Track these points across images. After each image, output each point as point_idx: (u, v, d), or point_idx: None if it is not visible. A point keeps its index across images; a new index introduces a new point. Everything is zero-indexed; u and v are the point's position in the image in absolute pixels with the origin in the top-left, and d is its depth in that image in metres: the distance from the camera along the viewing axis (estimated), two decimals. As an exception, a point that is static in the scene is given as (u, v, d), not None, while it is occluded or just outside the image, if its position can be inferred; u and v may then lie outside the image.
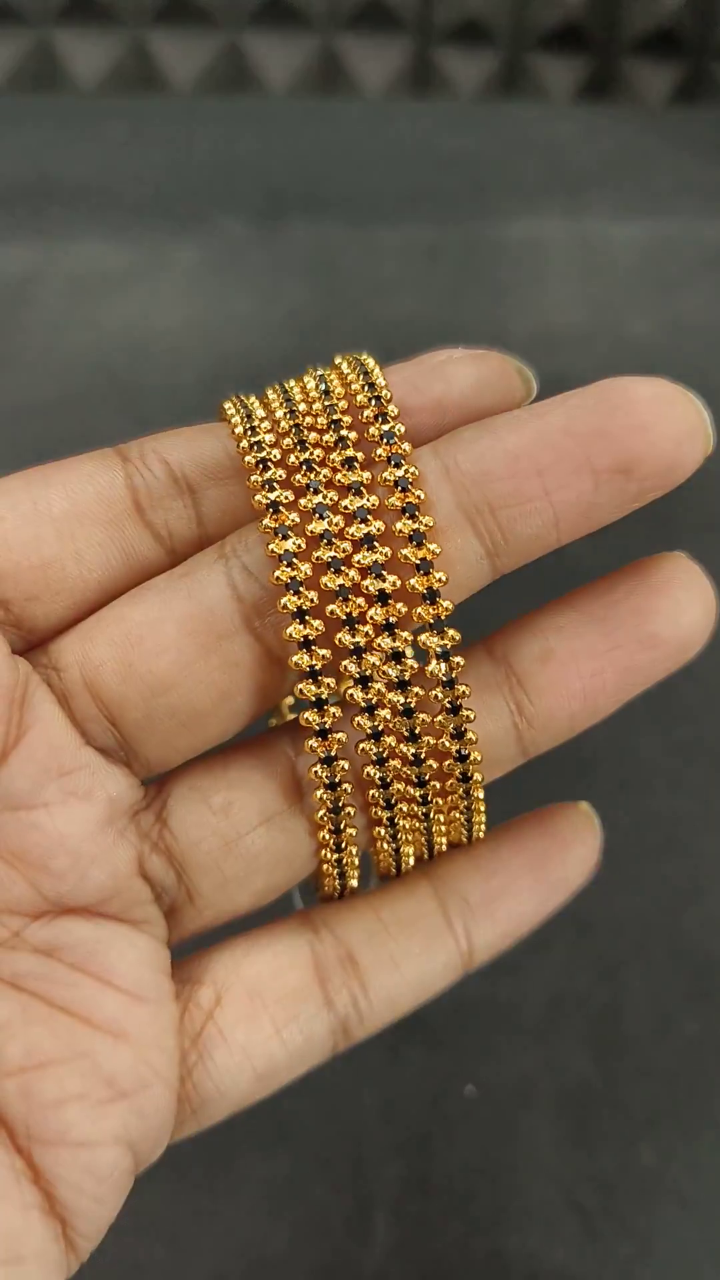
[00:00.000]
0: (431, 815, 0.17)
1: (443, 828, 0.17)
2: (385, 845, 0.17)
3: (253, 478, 0.16)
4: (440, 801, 0.17)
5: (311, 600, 0.15)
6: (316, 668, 0.15)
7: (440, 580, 0.15)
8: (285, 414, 0.16)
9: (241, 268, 0.42)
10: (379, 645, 0.15)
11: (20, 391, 0.37)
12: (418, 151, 0.49)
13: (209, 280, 0.41)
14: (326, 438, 0.16)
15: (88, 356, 0.38)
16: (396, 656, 0.15)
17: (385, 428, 0.16)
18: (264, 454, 0.16)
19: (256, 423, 0.16)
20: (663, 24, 0.55)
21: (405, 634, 0.15)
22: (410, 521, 0.15)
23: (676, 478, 0.15)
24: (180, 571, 0.16)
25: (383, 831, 0.17)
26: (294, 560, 0.15)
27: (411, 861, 0.18)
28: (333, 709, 0.16)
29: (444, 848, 0.18)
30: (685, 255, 0.43)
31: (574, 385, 0.16)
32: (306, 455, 0.16)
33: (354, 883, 0.18)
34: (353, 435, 0.16)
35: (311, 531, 0.15)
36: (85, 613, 0.16)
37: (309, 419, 0.16)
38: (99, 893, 0.16)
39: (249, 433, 0.16)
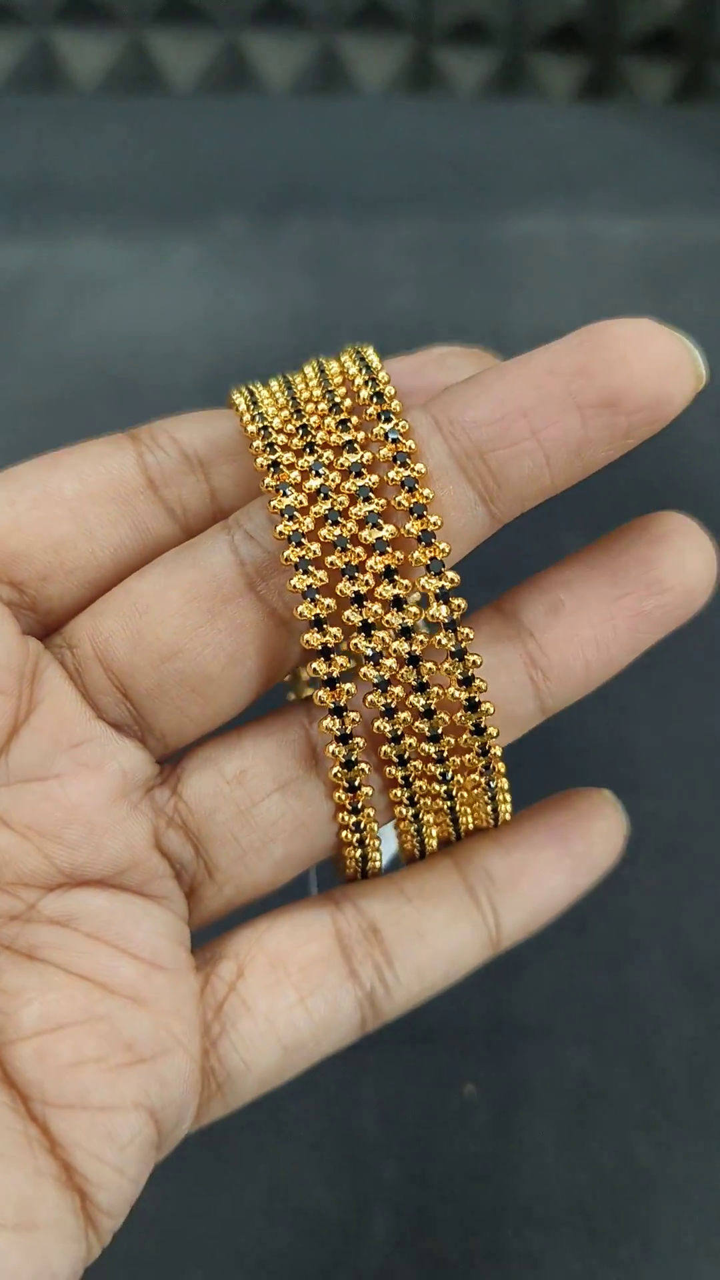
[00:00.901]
0: (454, 791, 0.17)
1: (467, 807, 0.17)
2: (405, 813, 0.17)
3: (254, 444, 0.16)
4: (461, 779, 0.17)
5: (314, 552, 0.16)
6: (321, 615, 0.16)
7: (435, 524, 0.16)
8: (286, 395, 0.17)
9: (241, 267, 0.42)
10: (380, 594, 0.16)
11: (19, 390, 0.36)
12: (417, 151, 0.49)
13: (209, 279, 0.41)
14: (322, 406, 0.16)
15: (87, 355, 0.38)
16: (398, 603, 0.16)
17: (375, 389, 0.16)
18: (265, 423, 0.16)
19: (260, 399, 0.17)
20: (662, 23, 0.55)
21: (405, 581, 0.16)
22: (402, 469, 0.15)
23: (666, 411, 0.15)
24: (187, 545, 0.17)
25: (400, 794, 0.17)
26: (295, 514, 0.16)
27: (435, 843, 0.18)
28: (340, 659, 0.16)
29: (469, 827, 0.18)
30: (684, 254, 0.43)
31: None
32: (302, 421, 0.16)
33: (376, 860, 0.18)
34: (347, 403, 0.16)
35: (310, 489, 0.16)
36: (100, 591, 0.17)
37: (306, 393, 0.17)
38: (114, 864, 0.16)
39: (252, 406, 0.17)
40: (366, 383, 0.16)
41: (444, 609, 0.16)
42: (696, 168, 0.48)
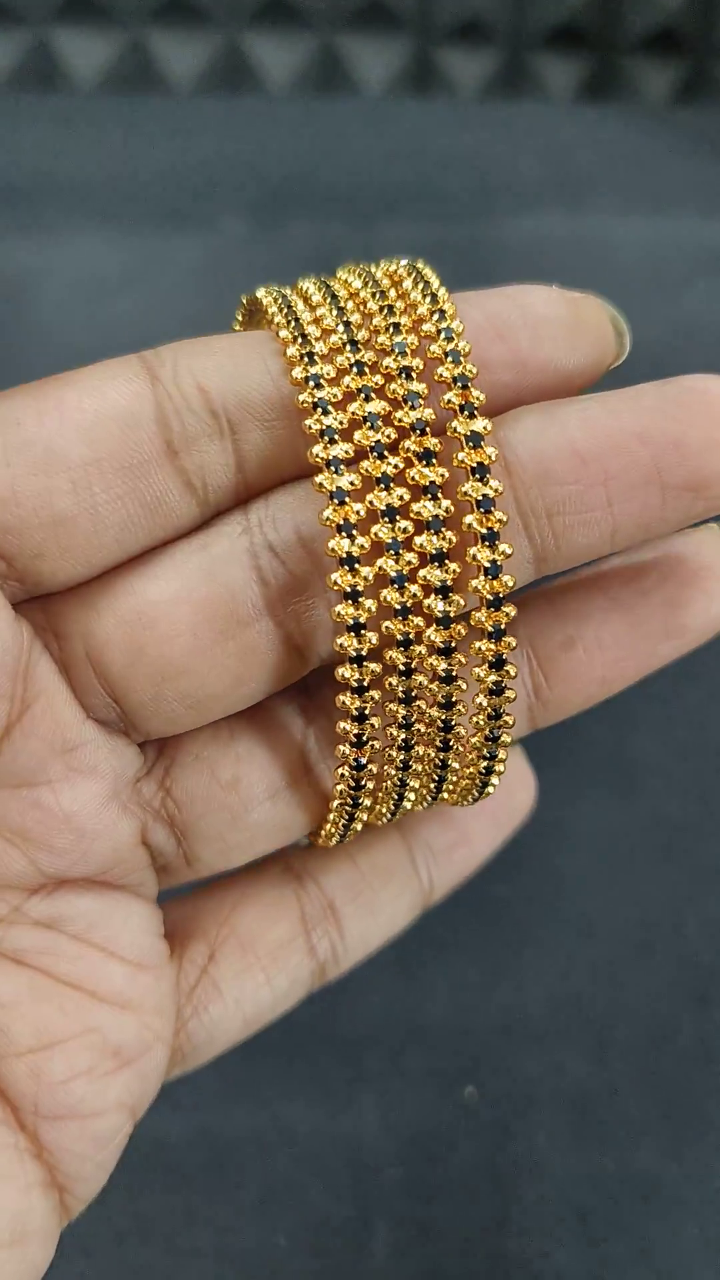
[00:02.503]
0: (447, 779, 0.16)
1: (454, 787, 0.17)
2: (394, 776, 0.16)
3: (314, 450, 0.14)
4: (458, 765, 0.16)
5: (369, 610, 0.14)
6: (361, 620, 0.14)
7: (501, 520, 0.14)
8: (347, 350, 0.14)
9: (241, 267, 0.41)
10: (425, 577, 0.14)
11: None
12: (418, 151, 0.49)
13: (209, 279, 0.41)
14: (400, 416, 0.14)
15: (87, 356, 0.38)
16: (444, 591, 0.14)
17: (468, 414, 0.14)
18: (328, 421, 0.14)
19: (316, 357, 0.14)
20: (664, 23, 0.55)
21: (455, 565, 0.14)
22: (484, 517, 0.14)
23: None
24: (200, 543, 0.15)
25: (396, 756, 0.16)
26: (345, 498, 0.14)
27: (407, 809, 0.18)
28: (369, 635, 0.14)
29: (444, 799, 0.17)
30: (686, 255, 0.43)
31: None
32: (376, 437, 0.14)
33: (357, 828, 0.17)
34: (429, 414, 0.14)
35: (377, 536, 0.14)
36: (97, 570, 0.15)
37: (375, 377, 0.14)
38: (100, 866, 0.16)
39: (305, 361, 0.14)
40: (448, 356, 0.14)
41: (490, 614, 0.14)
42: (699, 168, 0.48)
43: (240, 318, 0.17)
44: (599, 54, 0.56)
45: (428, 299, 0.15)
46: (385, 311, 0.15)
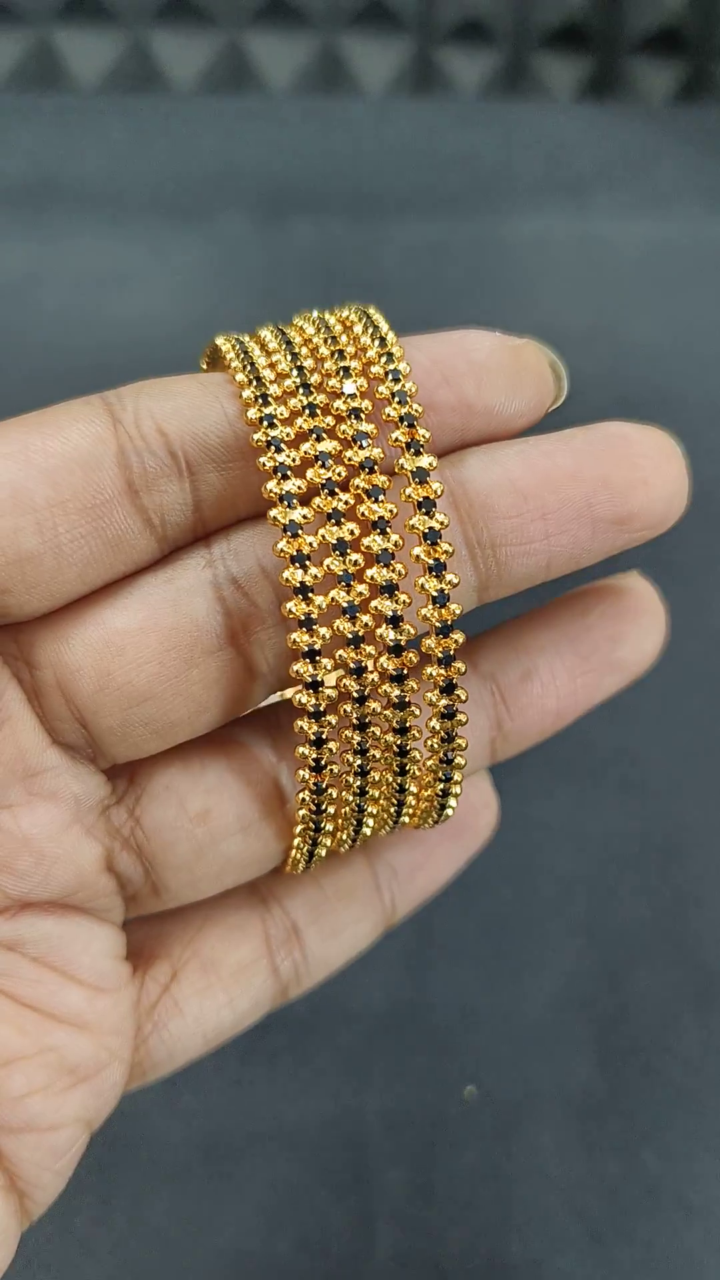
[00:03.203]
0: (406, 802, 0.17)
1: (412, 810, 0.17)
2: (350, 802, 0.17)
3: (268, 486, 0.15)
4: (415, 789, 0.17)
5: (323, 638, 0.15)
6: (315, 647, 0.15)
7: (447, 552, 0.15)
8: (300, 393, 0.15)
9: (242, 267, 0.41)
10: (376, 607, 0.15)
11: (19, 391, 0.36)
12: (419, 151, 0.49)
13: (210, 279, 0.41)
14: (350, 455, 0.15)
15: (88, 356, 0.38)
16: (394, 620, 0.15)
17: (414, 451, 0.15)
18: (281, 458, 0.15)
19: (270, 399, 0.15)
20: (666, 23, 0.55)
21: (404, 596, 0.15)
22: (431, 549, 0.15)
23: (660, 532, 0.16)
24: (165, 576, 0.16)
25: (353, 782, 0.16)
26: (298, 530, 0.14)
27: (365, 836, 0.18)
28: (328, 690, 0.15)
29: (405, 823, 0.18)
30: (688, 254, 0.43)
31: (575, 385, 0.16)
32: (328, 475, 0.15)
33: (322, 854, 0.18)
34: (377, 453, 0.15)
35: (330, 569, 0.15)
36: (61, 603, 0.15)
37: (327, 418, 0.15)
38: (62, 890, 0.16)
39: (260, 403, 0.15)
40: (394, 397, 0.15)
41: (441, 670, 0.15)
42: (701, 167, 0.47)
43: (204, 363, 0.18)
44: (600, 54, 0.56)
45: (376, 342, 0.16)
46: (336, 356, 0.15)
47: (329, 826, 0.17)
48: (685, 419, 0.16)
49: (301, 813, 0.16)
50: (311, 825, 0.16)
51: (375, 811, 0.17)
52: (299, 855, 0.17)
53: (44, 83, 0.53)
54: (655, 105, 0.56)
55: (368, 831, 0.17)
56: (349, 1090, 0.25)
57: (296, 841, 0.17)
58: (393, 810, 0.17)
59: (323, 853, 0.17)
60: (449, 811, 0.17)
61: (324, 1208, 0.24)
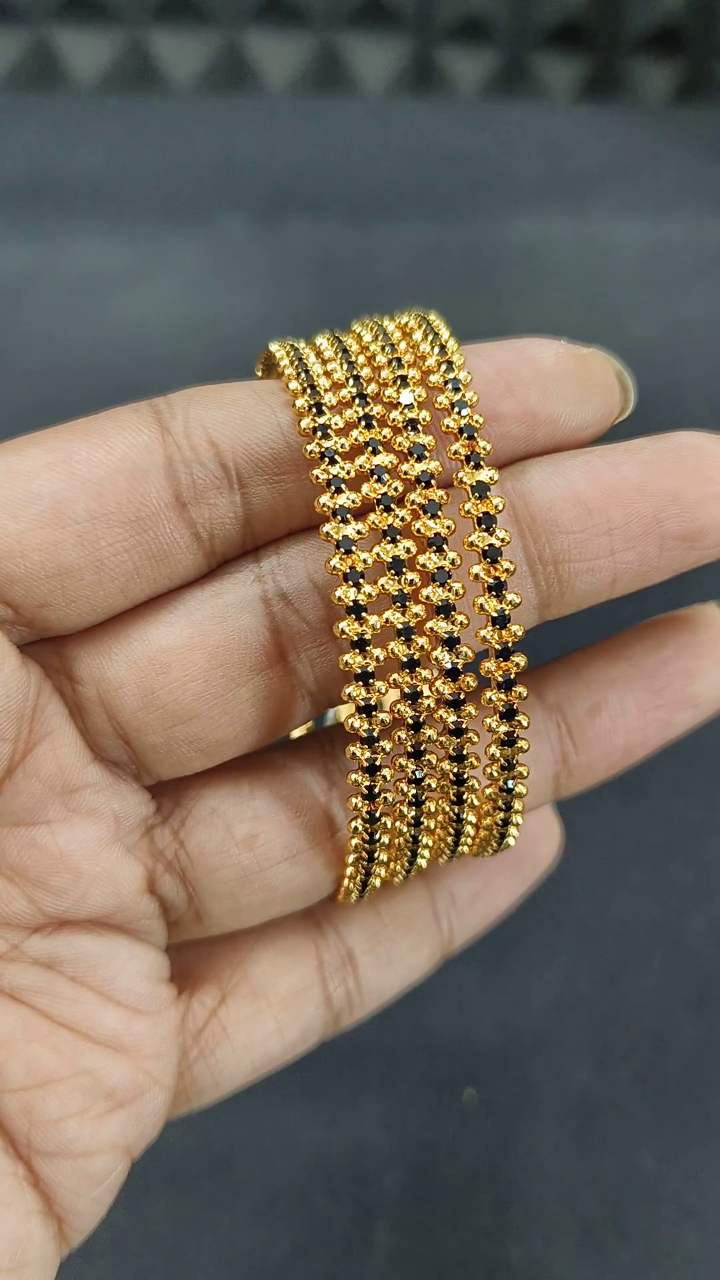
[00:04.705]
0: (464, 832, 0.16)
1: (471, 840, 0.17)
2: (406, 833, 0.16)
3: (321, 500, 0.14)
4: (474, 818, 0.16)
5: (377, 660, 0.14)
6: (369, 669, 0.14)
7: (513, 603, 0.14)
8: (356, 404, 0.14)
9: (242, 267, 0.41)
10: (438, 659, 0.14)
11: (19, 392, 0.36)
12: (418, 150, 0.49)
13: (209, 279, 0.41)
14: (406, 468, 0.14)
15: (87, 357, 0.38)
16: (450, 643, 0.14)
17: (474, 465, 0.14)
18: (335, 471, 0.14)
19: (325, 409, 0.14)
20: (665, 22, 0.55)
21: (462, 617, 0.14)
22: (491, 567, 0.14)
23: None
24: (213, 590, 0.15)
25: (408, 812, 0.16)
26: (362, 613, 0.14)
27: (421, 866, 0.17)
28: (381, 715, 0.14)
29: (464, 852, 0.17)
30: (687, 255, 0.43)
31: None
32: (383, 490, 0.14)
33: (375, 885, 0.17)
34: (435, 466, 0.14)
35: (384, 588, 0.14)
36: (103, 616, 0.15)
37: (384, 430, 0.14)
38: (100, 910, 0.16)
39: (314, 412, 0.14)
40: (454, 407, 0.14)
41: (503, 695, 0.14)
42: (699, 167, 0.47)
43: (259, 370, 0.17)
44: (599, 53, 0.56)
45: (436, 350, 0.15)
46: (394, 364, 0.15)
47: (383, 856, 0.16)
48: (684, 420, 0.16)
49: (354, 842, 0.16)
50: (365, 855, 0.16)
51: (430, 843, 0.16)
52: (352, 885, 0.16)
53: (42, 82, 0.53)
54: (654, 105, 0.56)
55: (423, 863, 0.16)
56: (348, 1092, 0.25)
57: (349, 871, 0.16)
58: (450, 840, 0.16)
59: (376, 883, 0.17)
60: (510, 841, 0.16)
61: (322, 1209, 0.24)
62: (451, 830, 0.16)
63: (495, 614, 0.14)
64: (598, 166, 0.48)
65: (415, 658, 0.14)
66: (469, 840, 0.16)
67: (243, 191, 0.45)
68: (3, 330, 0.38)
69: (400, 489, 0.14)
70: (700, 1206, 0.24)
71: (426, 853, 0.16)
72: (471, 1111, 0.25)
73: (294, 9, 0.53)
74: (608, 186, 0.46)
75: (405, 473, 0.14)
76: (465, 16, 0.54)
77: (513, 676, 0.14)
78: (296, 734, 0.20)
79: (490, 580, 0.14)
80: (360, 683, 0.14)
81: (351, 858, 0.16)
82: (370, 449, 0.14)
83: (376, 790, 0.15)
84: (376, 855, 0.16)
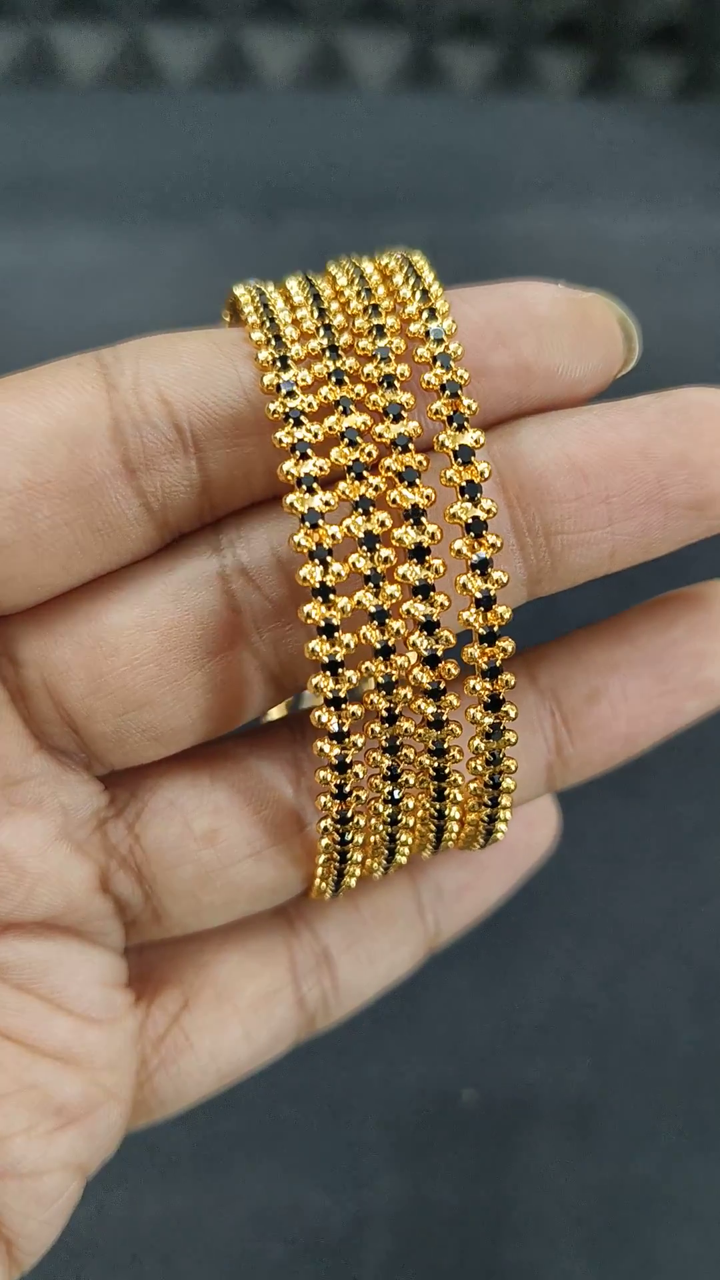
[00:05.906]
0: (447, 828, 0.15)
1: (454, 836, 0.15)
2: (383, 831, 0.15)
3: (285, 466, 0.13)
4: (458, 814, 0.15)
5: (347, 647, 0.13)
6: (338, 658, 0.13)
7: (500, 583, 0.13)
8: (326, 356, 0.13)
9: (239, 264, 0.41)
10: (415, 644, 0.13)
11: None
12: (418, 146, 0.48)
13: (206, 277, 0.41)
14: (381, 430, 0.13)
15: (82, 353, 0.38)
16: (429, 626, 0.13)
17: (456, 426, 0.13)
18: (301, 434, 0.13)
19: (290, 362, 0.13)
20: (666, 18, 0.54)
21: (442, 598, 0.13)
22: (475, 542, 0.13)
23: None
24: (166, 566, 0.14)
25: (383, 810, 0.15)
26: (330, 595, 0.12)
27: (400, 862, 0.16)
28: (348, 674, 0.13)
29: (449, 847, 0.16)
30: (688, 251, 0.43)
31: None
32: (355, 455, 0.13)
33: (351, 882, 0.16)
34: (413, 427, 0.13)
35: (356, 567, 0.13)
36: (46, 596, 0.14)
37: (357, 387, 0.13)
38: (48, 911, 0.15)
39: (278, 366, 0.13)
40: (436, 361, 0.13)
41: (487, 683, 0.13)
42: (701, 164, 0.47)
43: (226, 315, 0.16)
44: (600, 49, 0.56)
45: (418, 296, 0.13)
46: (370, 312, 0.13)
47: (357, 856, 0.15)
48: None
49: (324, 842, 0.14)
50: (336, 855, 0.15)
51: (410, 840, 0.15)
52: (325, 885, 0.15)
53: (39, 78, 0.52)
54: (655, 101, 0.56)
55: (402, 859, 0.15)
56: (345, 1092, 0.25)
57: (320, 871, 0.15)
58: (432, 836, 0.15)
59: (352, 881, 0.15)
60: (498, 835, 0.15)
61: (319, 1210, 0.24)
62: (433, 827, 0.15)
63: (479, 595, 0.13)
64: (598, 162, 0.48)
65: (390, 643, 0.13)
66: (453, 837, 0.15)
67: (240, 188, 0.45)
68: (-1, 327, 0.38)
69: (374, 454, 0.13)
70: (699, 1209, 0.24)
71: (406, 850, 0.15)
72: (470, 1112, 0.25)
73: (293, 5, 0.53)
74: (609, 182, 0.46)
75: (380, 435, 0.13)
76: (465, 12, 0.54)
77: (499, 663, 0.13)
78: (275, 714, 0.18)
79: (474, 557, 0.13)
80: (328, 672, 0.13)
81: (322, 858, 0.15)
82: (341, 408, 0.13)
83: (348, 789, 0.14)
84: (350, 855, 0.15)
